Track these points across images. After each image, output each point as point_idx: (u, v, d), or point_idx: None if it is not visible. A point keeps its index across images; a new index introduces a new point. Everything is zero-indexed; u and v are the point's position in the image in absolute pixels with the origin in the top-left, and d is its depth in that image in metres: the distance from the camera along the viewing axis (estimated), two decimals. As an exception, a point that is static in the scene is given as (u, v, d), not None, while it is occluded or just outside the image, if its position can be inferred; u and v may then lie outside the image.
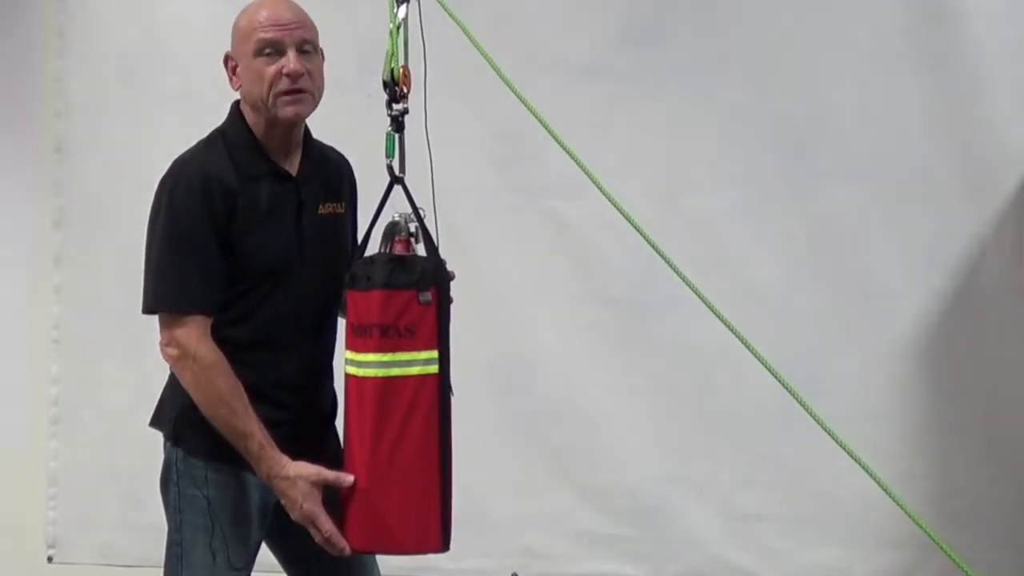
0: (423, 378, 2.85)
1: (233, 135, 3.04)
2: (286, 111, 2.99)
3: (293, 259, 3.01)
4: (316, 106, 3.06)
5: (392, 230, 2.92)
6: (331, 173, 3.17)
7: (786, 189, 4.64)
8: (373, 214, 2.98)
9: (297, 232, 3.03)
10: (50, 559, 5.14)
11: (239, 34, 3.03)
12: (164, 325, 2.97)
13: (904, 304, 4.58)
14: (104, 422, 5.03)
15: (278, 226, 3.01)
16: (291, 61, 2.96)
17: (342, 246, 3.14)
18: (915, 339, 4.58)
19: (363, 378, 2.86)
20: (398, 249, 2.90)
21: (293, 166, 3.07)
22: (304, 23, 3.03)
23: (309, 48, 3.01)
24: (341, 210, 3.15)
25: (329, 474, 2.92)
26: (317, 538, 2.93)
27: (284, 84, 2.97)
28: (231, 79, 3.06)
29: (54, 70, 5.14)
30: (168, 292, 2.95)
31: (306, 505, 2.91)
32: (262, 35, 2.97)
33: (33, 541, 5.11)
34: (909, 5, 4.55)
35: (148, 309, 3.00)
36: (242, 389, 2.93)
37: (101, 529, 5.08)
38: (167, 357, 2.98)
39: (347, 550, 2.92)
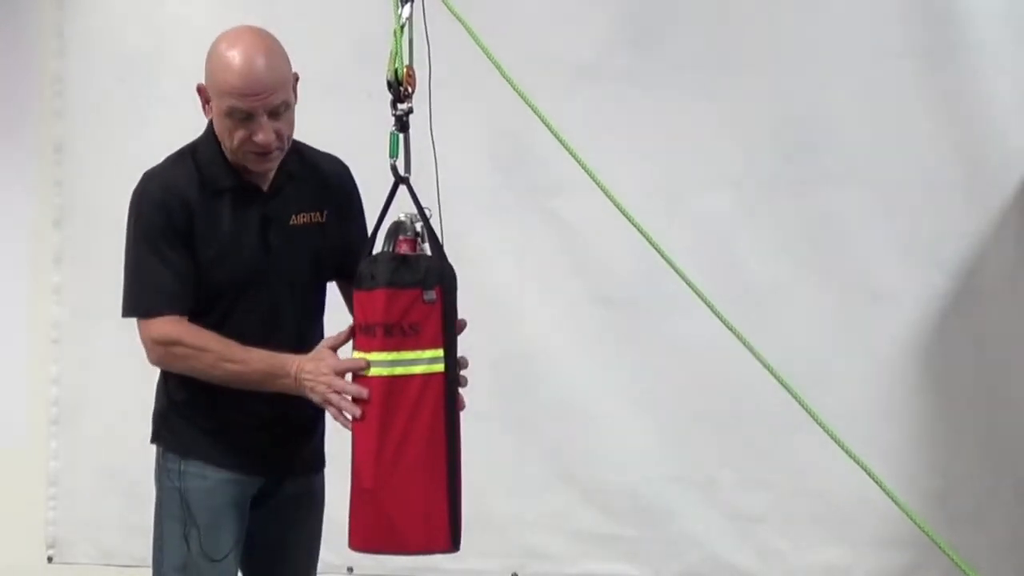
0: (428, 377, 2.84)
1: (203, 151, 3.09)
2: (255, 167, 3.05)
3: (257, 271, 3.06)
4: (285, 151, 3.08)
5: (396, 229, 2.91)
6: (314, 183, 3.18)
7: (786, 189, 4.64)
8: (379, 214, 2.99)
9: (262, 246, 3.07)
10: (50, 559, 5.15)
11: (211, 80, 3.00)
12: (143, 328, 3.06)
13: (904, 304, 4.58)
14: (104, 422, 5.03)
15: (239, 241, 3.06)
16: (261, 131, 2.97)
17: (317, 256, 3.16)
18: (915, 339, 4.58)
19: (368, 377, 2.86)
20: (403, 248, 2.90)
21: (266, 180, 3.10)
22: (278, 84, 2.97)
23: (282, 108, 2.99)
24: (321, 219, 3.16)
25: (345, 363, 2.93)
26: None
27: (253, 147, 3.00)
28: (204, 108, 3.06)
29: (54, 70, 5.15)
30: (142, 296, 3.06)
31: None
32: (234, 103, 2.95)
33: (33, 541, 5.12)
34: (909, 5, 4.55)
35: (126, 313, 3.10)
36: (230, 340, 2.99)
37: (101, 529, 5.09)
38: (156, 360, 3.08)
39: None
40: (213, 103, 3.01)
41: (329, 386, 2.91)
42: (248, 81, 2.94)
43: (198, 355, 3.00)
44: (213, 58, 3.00)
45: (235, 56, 2.96)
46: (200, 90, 3.05)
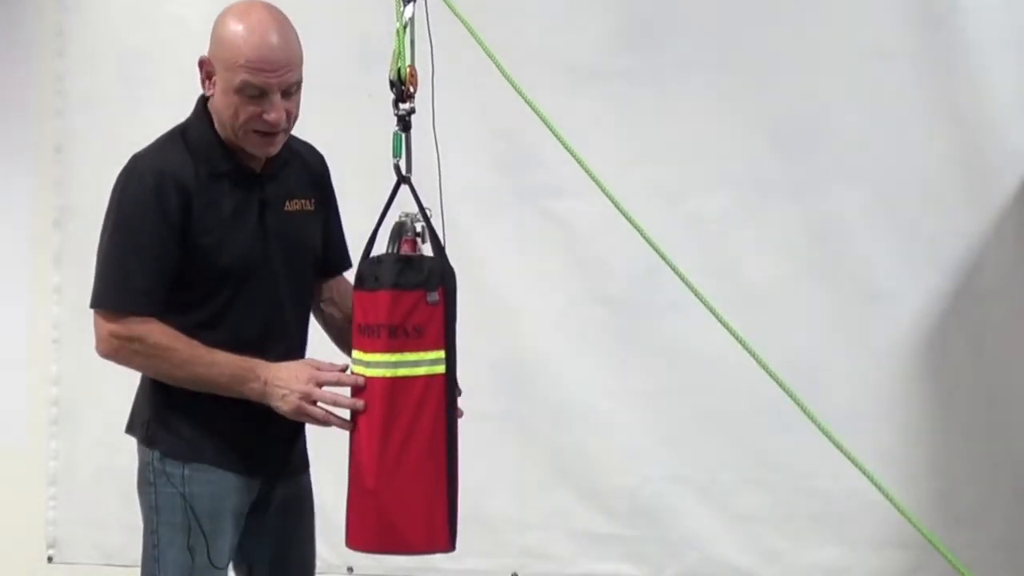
0: (430, 378, 2.84)
1: (194, 132, 2.97)
2: (256, 150, 2.95)
3: (257, 259, 2.97)
4: (289, 134, 3.01)
5: (399, 230, 2.91)
6: (302, 170, 3.11)
7: (786, 189, 4.63)
8: (380, 214, 2.97)
9: (261, 231, 2.98)
10: (50, 559, 5.14)
11: (222, 53, 2.88)
12: (103, 320, 2.92)
13: (904, 304, 4.57)
14: (104, 422, 4.98)
15: (240, 225, 2.96)
16: (274, 109, 2.88)
17: (310, 243, 3.11)
18: (915, 339, 4.58)
19: (370, 378, 2.86)
20: (405, 249, 2.90)
21: (258, 163, 3.01)
22: (292, 61, 2.90)
23: (294, 87, 2.92)
24: (311, 207, 3.10)
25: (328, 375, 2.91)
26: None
27: (261, 126, 2.90)
28: (204, 83, 2.95)
29: (54, 70, 5.14)
30: (110, 290, 2.92)
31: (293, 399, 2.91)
32: (248, 78, 2.85)
33: (33, 541, 5.11)
34: (909, 5, 4.55)
35: (93, 304, 2.96)
36: (194, 341, 2.89)
37: (101, 529, 5.07)
38: (107, 352, 2.94)
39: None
40: (219, 78, 2.89)
41: (307, 396, 2.87)
42: (264, 55, 2.85)
43: (162, 354, 2.89)
44: (224, 30, 2.89)
45: (250, 29, 2.86)
46: (203, 63, 2.93)
